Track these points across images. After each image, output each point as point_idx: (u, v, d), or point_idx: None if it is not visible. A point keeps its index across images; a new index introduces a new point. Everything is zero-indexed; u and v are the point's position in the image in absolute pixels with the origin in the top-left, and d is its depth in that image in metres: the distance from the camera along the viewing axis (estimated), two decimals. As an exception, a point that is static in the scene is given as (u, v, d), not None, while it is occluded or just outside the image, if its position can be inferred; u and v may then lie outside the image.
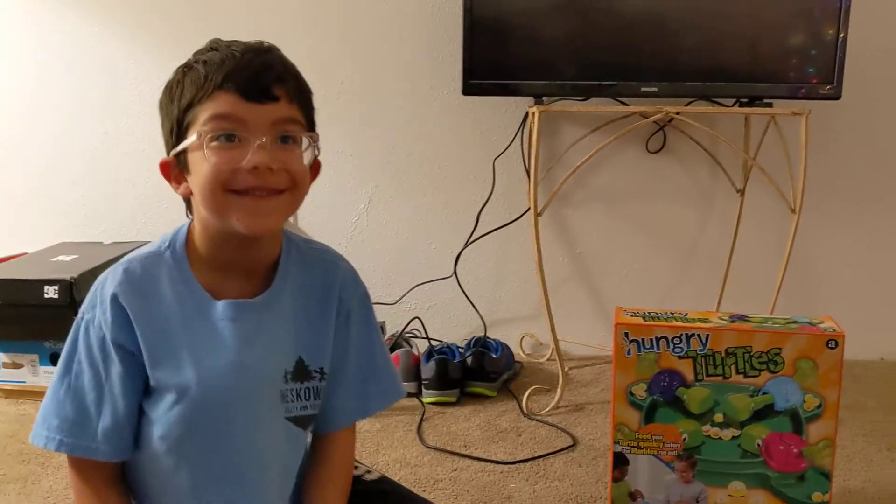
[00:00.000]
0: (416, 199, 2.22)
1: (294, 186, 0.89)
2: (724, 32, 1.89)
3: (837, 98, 1.85)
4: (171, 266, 0.92)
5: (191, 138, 0.86)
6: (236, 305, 0.92)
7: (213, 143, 0.85)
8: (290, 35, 1.85)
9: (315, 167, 0.95)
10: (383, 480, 1.12)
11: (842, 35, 1.82)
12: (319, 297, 0.99)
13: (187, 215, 0.95)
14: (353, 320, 1.01)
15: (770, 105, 1.85)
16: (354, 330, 1.01)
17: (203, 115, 0.85)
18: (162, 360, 0.90)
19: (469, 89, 1.91)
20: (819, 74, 1.85)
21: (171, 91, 0.89)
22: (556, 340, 1.89)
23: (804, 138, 1.75)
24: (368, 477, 1.11)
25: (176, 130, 0.88)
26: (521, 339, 2.23)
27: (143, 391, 0.92)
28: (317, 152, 0.92)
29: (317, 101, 0.94)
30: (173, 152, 0.89)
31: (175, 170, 0.90)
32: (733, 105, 1.95)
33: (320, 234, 1.07)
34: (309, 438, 1.03)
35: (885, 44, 2.08)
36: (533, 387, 1.91)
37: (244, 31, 0.97)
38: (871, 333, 2.20)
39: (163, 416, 0.90)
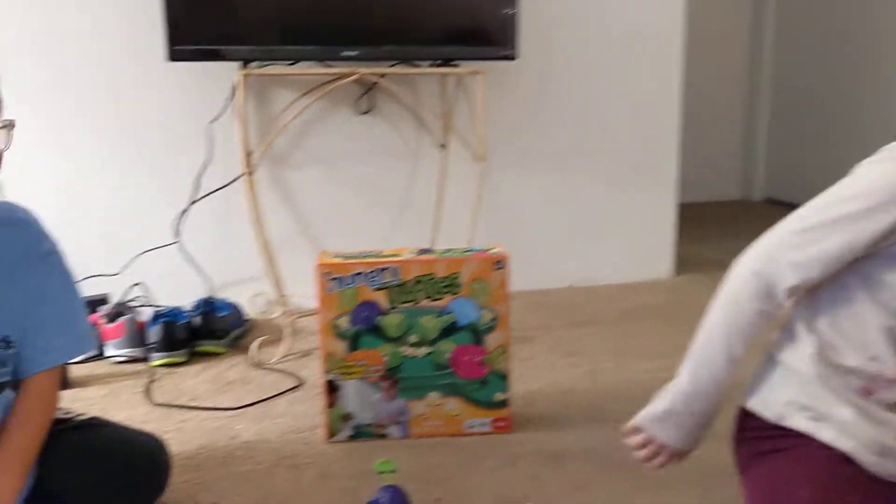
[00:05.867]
0: (132, 167, 2.20)
1: None
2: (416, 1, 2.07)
3: (514, 59, 2.11)
4: None
5: None
6: None
7: None
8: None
9: None
10: (93, 419, 1.19)
11: (514, 11, 2.07)
12: (9, 261, 1.02)
13: None
14: (34, 275, 1.05)
15: (457, 66, 2.07)
16: (33, 284, 1.05)
17: None
18: None
19: (174, 56, 1.94)
20: (498, 39, 2.10)
21: None
22: (280, 293, 1.99)
23: (481, 94, 1.99)
24: (79, 418, 1.17)
25: None
26: (254, 297, 2.31)
27: None
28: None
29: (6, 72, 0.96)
30: None
31: None
32: (428, 67, 2.15)
33: (32, 207, 1.10)
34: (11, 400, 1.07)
35: (555, 13, 2.39)
36: (260, 339, 2.00)
37: None
38: (561, 264, 2.54)
39: None
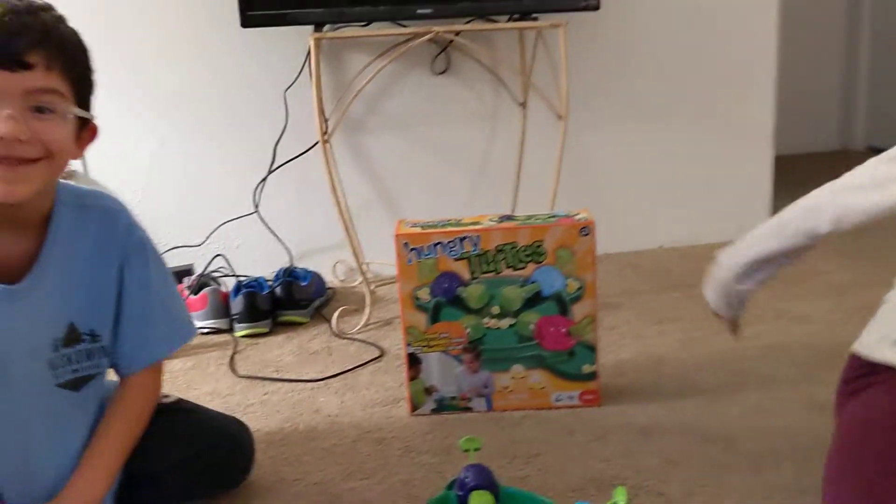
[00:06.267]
0: (210, 137, 2.20)
1: (50, 156, 0.89)
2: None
3: (596, 9, 1.99)
4: None
5: None
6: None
7: None
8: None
9: (91, 131, 0.96)
10: (180, 401, 1.18)
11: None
12: (97, 251, 1.01)
13: None
14: (129, 267, 1.04)
15: (536, 19, 1.98)
16: (130, 278, 1.04)
17: None
18: None
19: (247, 21, 1.90)
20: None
21: None
22: (359, 262, 1.97)
23: (563, 48, 1.89)
24: (165, 401, 1.16)
25: None
26: (334, 265, 2.30)
27: None
28: (91, 118, 0.94)
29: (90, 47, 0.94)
30: None
31: None
32: (505, 21, 2.06)
33: (114, 182, 1.08)
34: (101, 390, 1.07)
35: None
36: (341, 308, 1.98)
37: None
38: (650, 224, 2.44)
39: None
